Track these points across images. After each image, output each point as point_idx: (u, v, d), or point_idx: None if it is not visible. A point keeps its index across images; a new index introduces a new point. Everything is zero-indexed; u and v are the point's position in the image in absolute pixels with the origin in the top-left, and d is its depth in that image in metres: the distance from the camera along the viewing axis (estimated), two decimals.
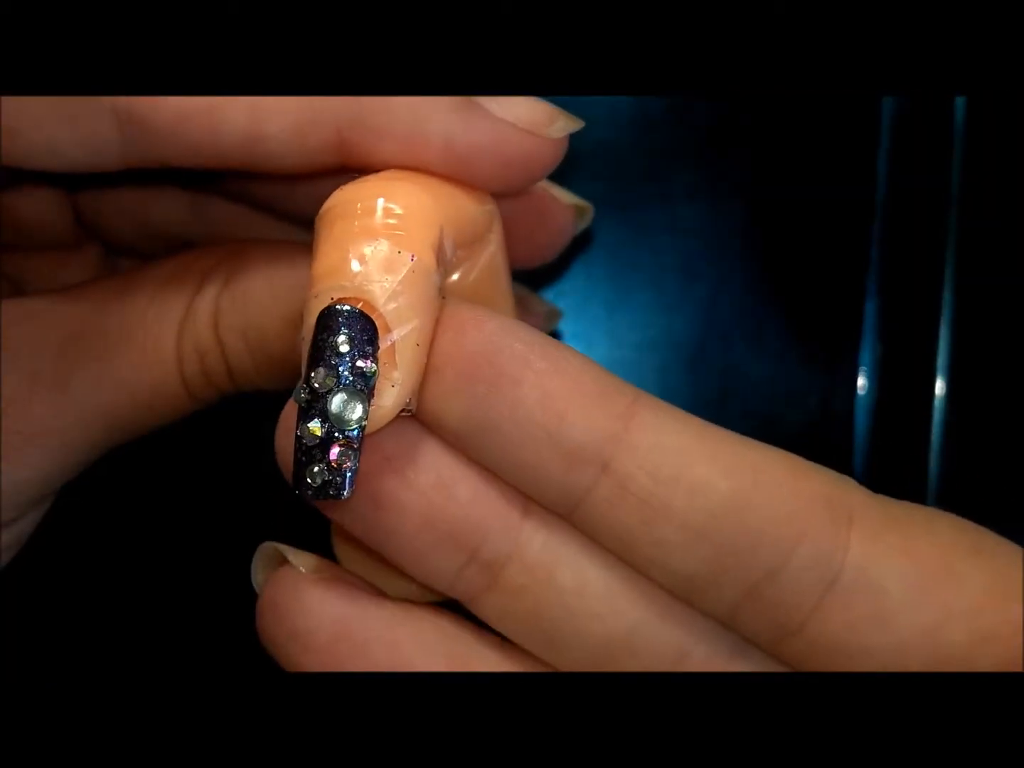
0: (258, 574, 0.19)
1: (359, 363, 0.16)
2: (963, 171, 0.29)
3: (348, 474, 0.16)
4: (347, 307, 0.16)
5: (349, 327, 0.16)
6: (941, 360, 0.30)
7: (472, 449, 0.17)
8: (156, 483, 0.30)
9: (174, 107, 0.18)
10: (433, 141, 0.19)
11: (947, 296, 0.29)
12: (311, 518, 0.28)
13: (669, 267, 0.30)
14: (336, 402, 0.16)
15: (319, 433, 0.16)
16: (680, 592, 0.17)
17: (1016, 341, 0.30)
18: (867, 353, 0.31)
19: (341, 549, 0.21)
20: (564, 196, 0.25)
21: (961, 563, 0.16)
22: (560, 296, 0.30)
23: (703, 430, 0.17)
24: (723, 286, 0.30)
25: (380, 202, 0.17)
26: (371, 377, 0.16)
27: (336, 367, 0.16)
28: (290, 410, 0.17)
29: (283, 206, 0.24)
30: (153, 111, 0.18)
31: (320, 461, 0.16)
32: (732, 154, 0.30)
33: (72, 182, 0.24)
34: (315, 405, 0.16)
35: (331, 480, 0.16)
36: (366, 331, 0.16)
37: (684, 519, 0.16)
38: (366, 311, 0.16)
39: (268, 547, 0.19)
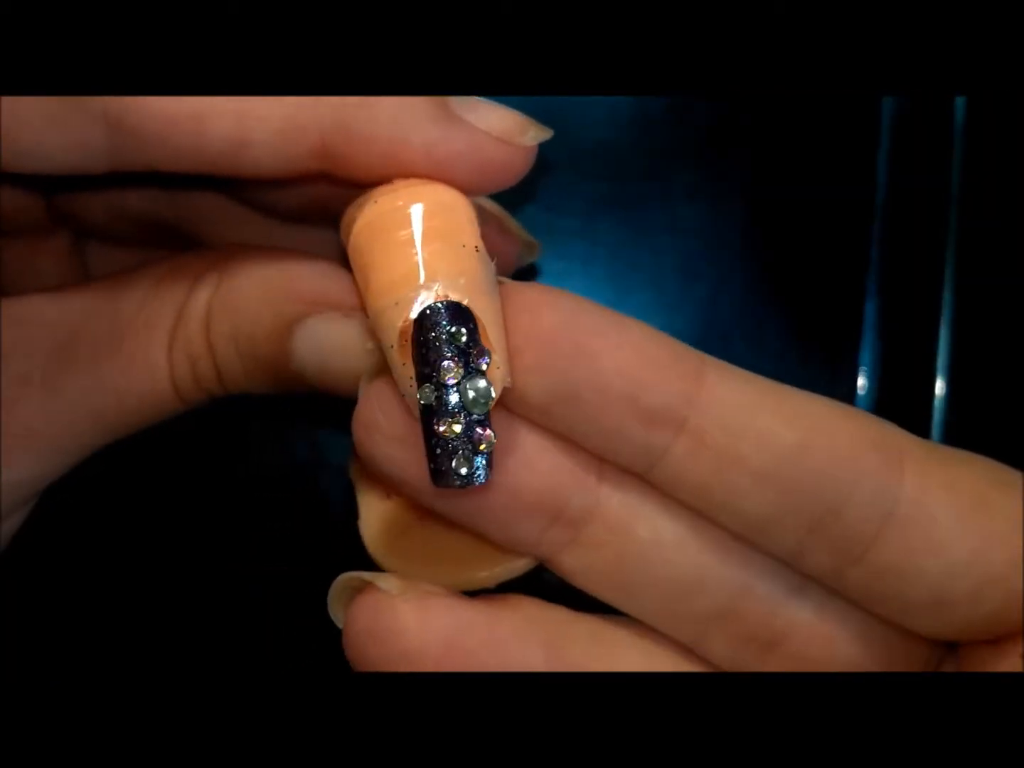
0: (337, 604, 0.19)
1: (476, 350, 0.17)
2: (963, 171, 0.29)
3: (488, 457, 0.17)
4: (444, 302, 0.17)
5: (457, 319, 0.17)
6: (941, 360, 0.30)
7: (554, 420, 0.18)
8: (141, 482, 0.29)
9: (162, 112, 0.19)
10: (414, 147, 0.20)
11: (947, 296, 0.29)
12: (300, 516, 0.28)
13: (669, 267, 0.30)
14: (469, 390, 0.17)
15: (459, 426, 0.17)
16: (749, 534, 0.18)
17: (1016, 341, 0.30)
18: (867, 353, 0.31)
19: (384, 552, 0.21)
20: (517, 229, 0.26)
21: (995, 494, 0.18)
22: None
23: (765, 386, 0.18)
24: (723, 286, 0.30)
25: (422, 206, 0.19)
26: (487, 360, 0.17)
27: (459, 358, 0.17)
28: (371, 404, 0.18)
29: (259, 199, 0.24)
30: (142, 116, 0.19)
31: (463, 452, 0.17)
32: (732, 154, 0.30)
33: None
34: (447, 399, 0.17)
35: (476, 468, 0.17)
36: (470, 319, 0.17)
37: (754, 466, 0.18)
38: None
39: (345, 578, 0.19)
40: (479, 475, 0.17)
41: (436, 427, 0.17)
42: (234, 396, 0.23)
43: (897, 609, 0.18)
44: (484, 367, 0.17)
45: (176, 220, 0.25)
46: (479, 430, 0.17)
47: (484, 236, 0.22)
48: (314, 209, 0.24)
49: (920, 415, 0.30)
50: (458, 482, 0.17)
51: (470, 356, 0.17)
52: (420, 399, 0.17)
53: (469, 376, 0.17)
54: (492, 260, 0.19)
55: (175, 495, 0.30)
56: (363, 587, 0.19)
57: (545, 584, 0.20)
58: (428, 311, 0.17)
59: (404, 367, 0.18)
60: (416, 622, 0.18)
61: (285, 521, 0.30)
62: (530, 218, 0.30)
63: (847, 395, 0.31)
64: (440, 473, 0.17)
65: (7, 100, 0.18)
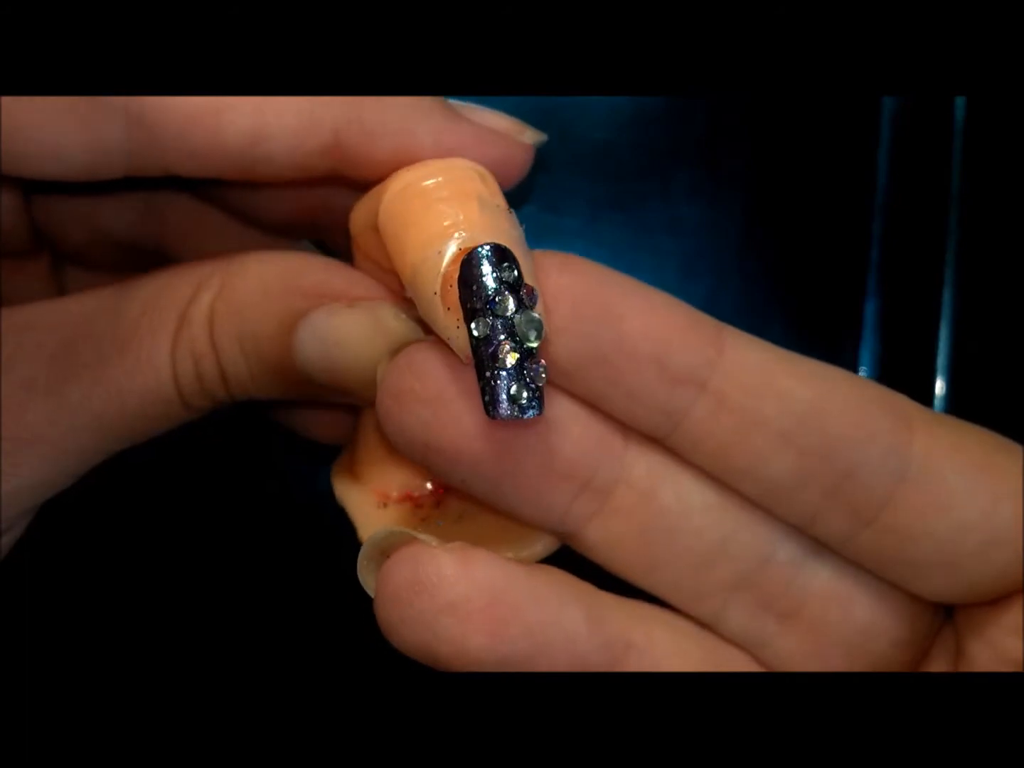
0: (368, 566, 0.19)
1: (526, 287, 0.18)
2: (963, 171, 0.29)
3: (540, 389, 0.18)
4: (491, 244, 0.18)
5: (504, 259, 0.18)
6: (941, 360, 0.30)
7: (580, 382, 0.19)
8: (144, 494, 0.29)
9: (182, 110, 0.19)
10: (422, 141, 0.20)
11: (947, 296, 0.29)
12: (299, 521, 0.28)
13: (669, 266, 0.30)
14: (525, 320, 0.17)
15: (516, 354, 0.17)
16: (768, 499, 0.19)
17: (1016, 341, 0.30)
18: (867, 352, 0.31)
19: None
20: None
21: (999, 456, 0.18)
22: None
23: (779, 351, 0.19)
24: (723, 285, 0.30)
25: (450, 175, 0.19)
26: (536, 296, 0.18)
27: (513, 291, 0.17)
28: (399, 373, 0.18)
29: (244, 206, 0.25)
30: (162, 113, 0.19)
31: (521, 379, 0.17)
32: (732, 154, 0.30)
33: (28, 188, 0.24)
34: (501, 331, 0.17)
35: (532, 397, 0.18)
36: (514, 261, 0.18)
37: (774, 426, 0.18)
38: None
39: (381, 534, 0.19)
40: (535, 405, 0.18)
41: (493, 358, 0.17)
42: (238, 406, 0.23)
43: (908, 571, 0.19)
44: (531, 302, 0.18)
45: (156, 242, 0.25)
46: (534, 362, 0.17)
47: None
48: (303, 220, 0.24)
49: None
50: (516, 410, 0.17)
51: (520, 291, 0.18)
52: (474, 331, 0.17)
53: (522, 308, 0.17)
54: (522, 226, 0.19)
55: (177, 507, 0.30)
56: (399, 546, 0.18)
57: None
58: (475, 251, 0.18)
59: (449, 312, 0.18)
60: (459, 572, 0.18)
61: (287, 536, 0.30)
62: (530, 218, 0.30)
63: None
64: (497, 403, 0.17)
65: (29, 105, 0.19)
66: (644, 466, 0.19)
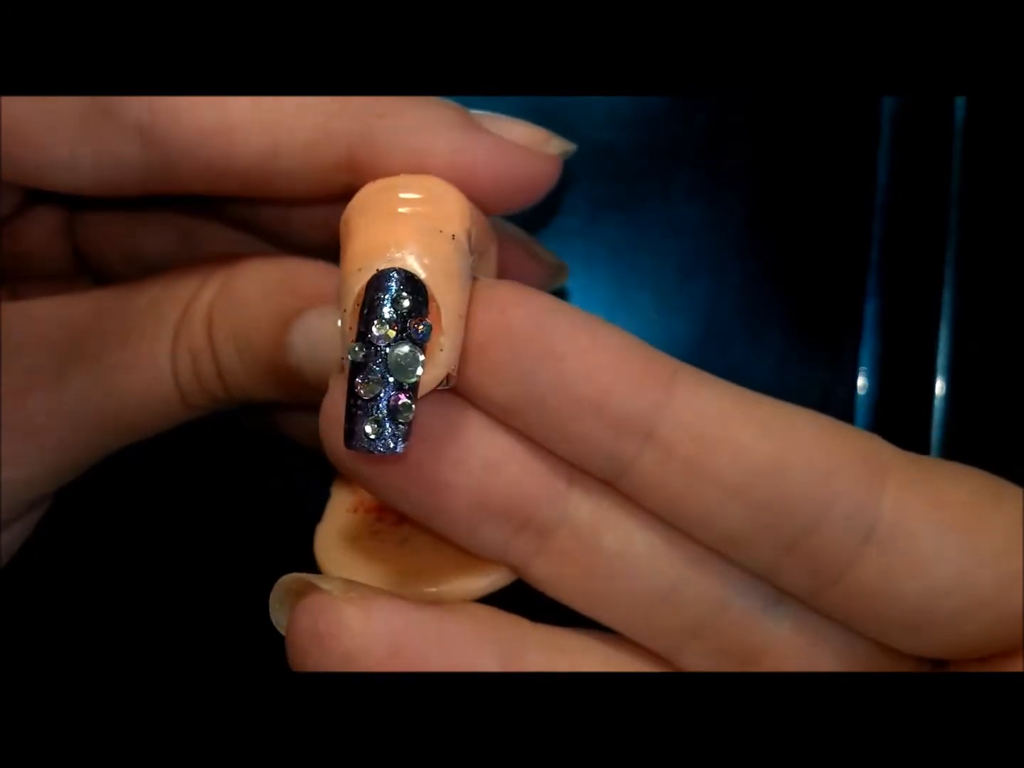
0: (279, 608, 0.18)
1: (416, 318, 0.17)
2: (963, 171, 0.29)
3: (403, 427, 0.17)
4: (399, 268, 0.17)
5: (406, 286, 0.17)
6: (941, 360, 0.30)
7: (519, 423, 0.18)
8: (146, 495, 0.30)
9: (194, 125, 0.19)
10: (439, 156, 0.20)
11: (947, 296, 0.29)
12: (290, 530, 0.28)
13: (669, 266, 0.30)
14: (400, 352, 0.17)
15: (378, 387, 0.17)
16: (723, 549, 0.18)
17: (1016, 341, 0.30)
18: (867, 352, 0.31)
19: (329, 556, 0.21)
20: (544, 254, 0.26)
21: (985, 510, 0.17)
22: (561, 296, 0.30)
23: (740, 396, 0.17)
24: (723, 285, 0.30)
25: (413, 193, 0.19)
26: (427, 332, 0.17)
27: (396, 320, 0.17)
28: (336, 391, 0.18)
29: (275, 231, 0.25)
30: (174, 127, 0.19)
31: (376, 414, 0.17)
32: (732, 154, 0.30)
33: (70, 211, 0.24)
34: (374, 359, 0.17)
35: (386, 433, 0.17)
36: (420, 291, 0.17)
37: (727, 480, 0.17)
38: None
39: (288, 579, 0.18)
40: (389, 443, 0.17)
41: (356, 386, 0.17)
42: (238, 408, 0.23)
43: (876, 629, 0.18)
44: (418, 337, 0.17)
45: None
46: (398, 395, 0.17)
47: (509, 261, 0.22)
48: (330, 241, 0.24)
49: (920, 415, 0.30)
50: (366, 444, 0.17)
51: (407, 322, 0.17)
52: (349, 356, 0.17)
53: (399, 341, 0.17)
54: (472, 255, 0.18)
55: (179, 507, 0.30)
56: (306, 590, 0.18)
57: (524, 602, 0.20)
58: (379, 273, 0.17)
59: (349, 331, 0.17)
60: (360, 622, 0.17)
61: (288, 534, 0.30)
62: (531, 218, 0.30)
63: (847, 395, 0.31)
64: (350, 433, 0.17)
65: (43, 117, 0.19)
66: (588, 508, 0.18)
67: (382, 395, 0.17)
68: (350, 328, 0.17)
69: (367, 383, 0.17)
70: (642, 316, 0.30)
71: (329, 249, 0.25)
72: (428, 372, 0.17)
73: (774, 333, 0.30)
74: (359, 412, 0.17)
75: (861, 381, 0.31)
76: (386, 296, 0.17)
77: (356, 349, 0.17)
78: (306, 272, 0.21)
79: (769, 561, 0.17)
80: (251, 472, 0.30)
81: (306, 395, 0.22)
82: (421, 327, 0.17)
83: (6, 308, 0.21)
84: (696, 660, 0.19)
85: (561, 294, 0.30)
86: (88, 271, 0.26)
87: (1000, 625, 0.17)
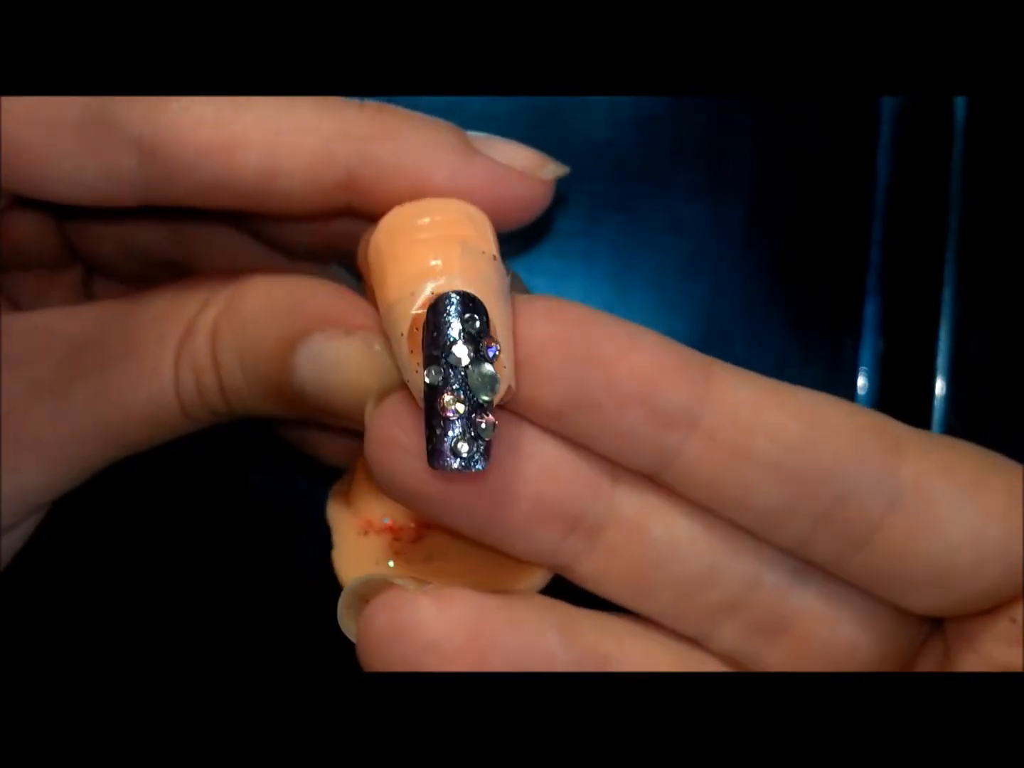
0: (348, 613, 0.19)
1: (487, 339, 0.18)
2: (963, 171, 0.29)
3: (487, 444, 0.18)
4: (459, 291, 0.18)
5: (470, 307, 0.18)
6: (941, 360, 0.30)
7: (570, 426, 0.19)
8: (143, 503, 0.30)
9: (195, 143, 0.19)
10: (437, 180, 0.20)
11: (947, 296, 0.30)
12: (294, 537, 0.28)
13: (670, 266, 0.30)
14: (480, 373, 0.17)
15: (463, 406, 0.17)
16: (758, 527, 0.19)
17: (1016, 341, 0.30)
18: (867, 352, 0.31)
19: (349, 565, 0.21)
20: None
21: (987, 473, 0.19)
22: (561, 296, 0.30)
23: (768, 383, 0.19)
24: (723, 285, 0.30)
25: (442, 216, 0.19)
26: (497, 350, 0.18)
27: (469, 342, 0.17)
28: (384, 418, 0.18)
29: (266, 231, 0.25)
30: (174, 147, 0.19)
31: (464, 432, 0.17)
32: (732, 153, 0.30)
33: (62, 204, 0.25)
34: (452, 380, 0.17)
35: (474, 452, 0.17)
36: (483, 311, 0.18)
37: (766, 460, 0.18)
38: None
39: (358, 583, 0.19)
40: (477, 460, 0.17)
41: (439, 406, 0.17)
42: (238, 421, 0.23)
43: (899, 589, 0.19)
44: (492, 355, 0.18)
45: (186, 259, 0.25)
46: (482, 415, 0.17)
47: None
48: (327, 246, 0.24)
49: (920, 415, 0.30)
50: (456, 463, 0.17)
51: (480, 343, 0.17)
52: (426, 379, 0.17)
53: (477, 361, 0.17)
54: (508, 275, 0.19)
55: (174, 516, 0.30)
56: (377, 592, 0.19)
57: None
58: (443, 297, 0.18)
59: (412, 355, 0.18)
60: (436, 612, 0.18)
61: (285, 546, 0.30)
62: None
63: (847, 394, 0.31)
64: (438, 453, 0.17)
65: (43, 129, 0.19)
66: (633, 503, 0.19)
67: (467, 414, 0.17)
68: (411, 351, 0.18)
69: (451, 404, 0.17)
70: (643, 316, 0.30)
71: (317, 252, 0.25)
72: (503, 386, 0.18)
73: (774, 332, 0.30)
74: (444, 433, 0.17)
75: (861, 381, 0.31)
76: (454, 319, 0.17)
77: (434, 372, 0.17)
78: (312, 293, 0.21)
79: (802, 534, 0.19)
80: (246, 476, 0.30)
81: (307, 413, 0.22)
82: (493, 346, 0.18)
83: (7, 319, 0.21)
84: (729, 637, 0.20)
85: (561, 294, 0.30)
86: (80, 260, 0.26)
87: (1008, 575, 0.18)
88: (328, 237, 0.24)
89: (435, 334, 0.17)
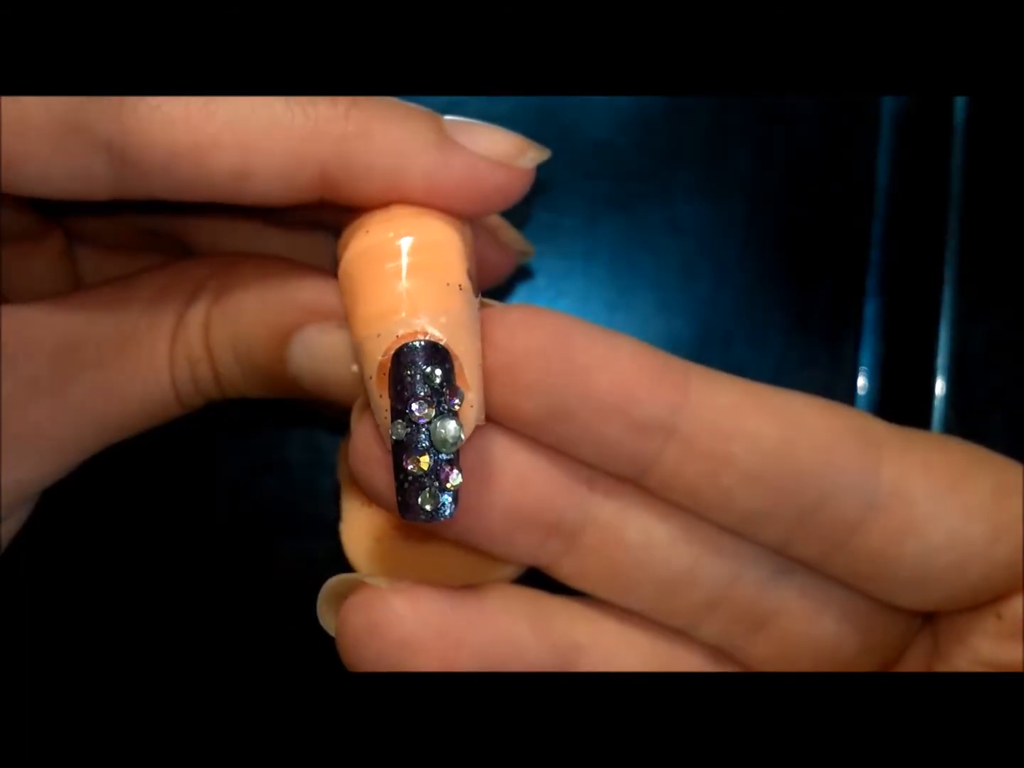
0: (327, 610, 0.20)
1: (450, 390, 0.18)
2: (963, 171, 0.29)
3: (454, 494, 0.18)
4: (422, 341, 0.18)
5: (433, 359, 0.18)
6: (941, 360, 0.30)
7: (548, 434, 0.19)
8: (136, 482, 0.30)
9: (164, 145, 0.19)
10: (414, 177, 0.20)
11: (947, 296, 0.30)
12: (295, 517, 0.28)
13: (669, 267, 0.30)
14: (448, 429, 0.17)
15: (427, 464, 0.17)
16: (739, 529, 0.19)
17: (1016, 341, 0.30)
18: (867, 353, 0.31)
19: (360, 557, 0.21)
20: (512, 239, 0.27)
21: (970, 472, 0.19)
22: (561, 295, 0.30)
23: (748, 387, 0.19)
24: (723, 285, 0.30)
25: (412, 240, 0.19)
26: (462, 400, 0.18)
27: (432, 397, 0.17)
28: (362, 435, 0.18)
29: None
30: (145, 148, 0.19)
31: (429, 488, 0.18)
32: (732, 154, 0.30)
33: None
34: (417, 436, 0.17)
35: (441, 503, 0.18)
36: (446, 360, 0.18)
37: (744, 466, 0.18)
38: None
39: (335, 581, 0.20)
40: (444, 511, 0.18)
41: (405, 463, 0.18)
42: (230, 401, 0.23)
43: (881, 587, 0.19)
44: (456, 408, 0.18)
45: (172, 227, 0.25)
46: (447, 469, 0.18)
47: (477, 249, 0.22)
48: (314, 219, 0.24)
49: (920, 415, 0.30)
50: (423, 517, 0.18)
51: (443, 396, 0.17)
52: (392, 435, 0.18)
53: (440, 416, 0.17)
54: (477, 297, 0.19)
55: (168, 495, 0.30)
56: (352, 590, 0.19)
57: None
58: (405, 349, 0.18)
59: (380, 399, 0.18)
60: (409, 610, 0.19)
61: (280, 523, 0.30)
62: (530, 218, 0.30)
63: (847, 395, 0.31)
64: (407, 506, 0.18)
65: (14, 129, 0.19)
66: (611, 508, 0.20)
67: (431, 471, 0.17)
68: (380, 396, 0.18)
69: (415, 460, 0.17)
70: (643, 316, 0.30)
71: (306, 221, 0.24)
72: (465, 431, 0.18)
73: (774, 333, 0.30)
74: (412, 488, 0.18)
75: (861, 381, 0.31)
76: (417, 373, 0.17)
77: (399, 428, 0.18)
78: (304, 285, 0.21)
79: (783, 535, 0.19)
80: (241, 460, 0.30)
81: (302, 397, 0.22)
82: (456, 398, 0.18)
83: (1, 317, 0.21)
84: (711, 631, 0.20)
85: (561, 294, 0.30)
86: (60, 227, 0.25)
87: (991, 574, 0.18)
88: (315, 214, 0.24)
89: (399, 387, 0.18)
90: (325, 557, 0.21)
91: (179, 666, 0.29)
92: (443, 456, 0.17)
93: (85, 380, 0.21)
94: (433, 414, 0.17)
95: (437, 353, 0.18)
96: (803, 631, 0.20)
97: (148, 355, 0.21)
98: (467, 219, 0.21)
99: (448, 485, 0.18)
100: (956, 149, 0.29)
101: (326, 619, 0.20)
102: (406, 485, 0.18)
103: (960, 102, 0.29)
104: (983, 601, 0.19)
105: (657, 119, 0.30)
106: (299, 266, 0.22)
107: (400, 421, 0.17)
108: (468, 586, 0.20)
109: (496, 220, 0.26)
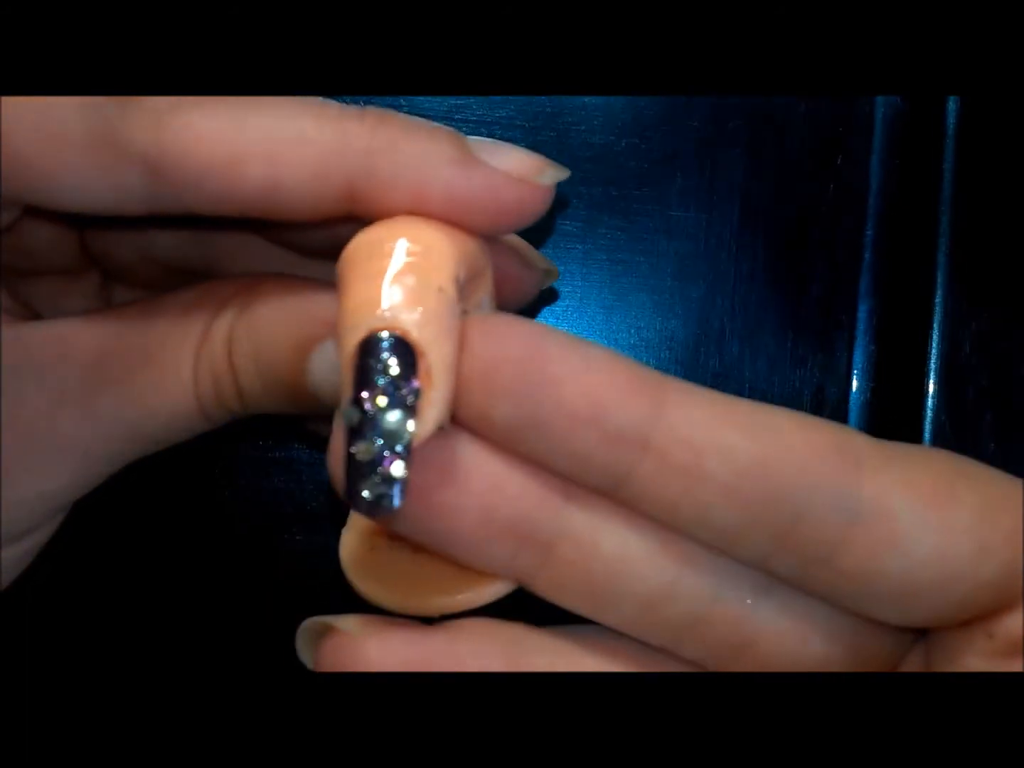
0: (305, 648, 0.20)
1: (406, 383, 0.17)
2: (957, 172, 0.30)
3: (400, 486, 0.17)
4: (388, 334, 0.18)
5: (395, 350, 0.17)
6: (933, 362, 0.30)
7: (520, 444, 0.19)
8: (146, 480, 0.30)
9: (197, 160, 0.19)
10: (436, 191, 0.20)
11: (939, 298, 0.30)
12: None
13: (664, 269, 0.31)
14: (390, 419, 0.17)
15: (373, 450, 0.17)
16: (717, 545, 0.19)
17: (1009, 344, 0.30)
18: (860, 355, 0.31)
19: (353, 567, 0.21)
20: (536, 259, 0.27)
21: (956, 486, 0.18)
22: (559, 297, 0.31)
23: (724, 401, 0.19)
24: (718, 288, 0.31)
25: (403, 241, 0.19)
26: (417, 395, 0.18)
27: (387, 388, 0.17)
28: (339, 434, 0.18)
29: (286, 236, 0.25)
30: (179, 162, 0.19)
31: (374, 476, 0.17)
32: (726, 158, 0.31)
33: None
34: (368, 424, 0.17)
35: (385, 493, 0.17)
36: (408, 355, 0.18)
37: (719, 482, 0.18)
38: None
39: (308, 624, 0.20)
40: (386, 502, 0.17)
41: (350, 449, 0.17)
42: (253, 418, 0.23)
43: (864, 605, 0.19)
44: (409, 402, 0.17)
45: (203, 264, 0.26)
46: (392, 459, 0.17)
47: (502, 268, 0.22)
48: (336, 247, 0.25)
49: (912, 417, 0.30)
50: (363, 507, 0.17)
51: (399, 389, 0.17)
52: (344, 420, 0.18)
53: (391, 407, 0.17)
54: (460, 307, 0.19)
55: (175, 490, 0.30)
56: (321, 636, 0.19)
57: (525, 606, 0.20)
58: (372, 340, 0.18)
59: (345, 389, 0.18)
60: (378, 655, 0.19)
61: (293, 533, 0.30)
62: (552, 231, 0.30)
63: (841, 397, 0.31)
64: (351, 495, 0.18)
65: (52, 143, 0.19)
66: (585, 519, 0.19)
67: (377, 459, 0.17)
68: (344, 386, 0.18)
69: (363, 448, 0.17)
70: (639, 318, 0.31)
71: (328, 250, 0.25)
72: (420, 428, 0.18)
73: (768, 335, 0.31)
74: (358, 475, 0.17)
75: (854, 383, 0.31)
76: (376, 362, 0.17)
77: (351, 414, 0.18)
78: (324, 300, 0.22)
79: (762, 552, 0.19)
80: (249, 456, 0.30)
81: (323, 411, 0.22)
82: (410, 394, 0.17)
83: (26, 329, 0.22)
84: (694, 650, 0.20)
85: (558, 297, 0.31)
86: (97, 265, 0.26)
87: (978, 592, 0.18)
88: (337, 238, 0.24)
89: (358, 375, 0.18)
90: (332, 553, 0.21)
91: (186, 661, 0.29)
92: (396, 448, 0.17)
93: (113, 393, 0.22)
94: (385, 403, 0.17)
95: (400, 346, 0.18)
96: (789, 649, 0.20)
97: (174, 369, 0.22)
98: (489, 236, 0.21)
99: (392, 474, 0.17)
100: (948, 153, 0.30)
101: (305, 657, 0.20)
102: (352, 473, 0.17)
103: (952, 107, 0.30)
104: (971, 618, 0.18)
105: (654, 123, 0.30)
106: (320, 284, 0.22)
107: (352, 408, 0.17)
108: (448, 622, 0.20)
109: (519, 241, 0.26)
